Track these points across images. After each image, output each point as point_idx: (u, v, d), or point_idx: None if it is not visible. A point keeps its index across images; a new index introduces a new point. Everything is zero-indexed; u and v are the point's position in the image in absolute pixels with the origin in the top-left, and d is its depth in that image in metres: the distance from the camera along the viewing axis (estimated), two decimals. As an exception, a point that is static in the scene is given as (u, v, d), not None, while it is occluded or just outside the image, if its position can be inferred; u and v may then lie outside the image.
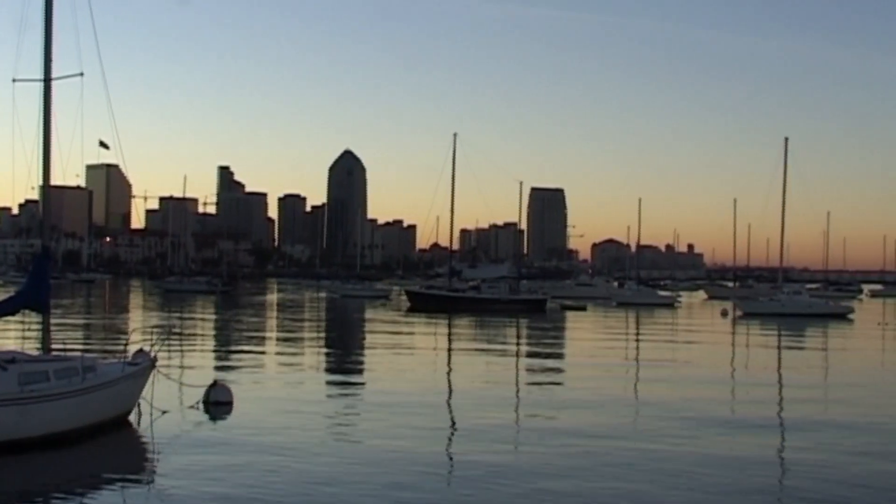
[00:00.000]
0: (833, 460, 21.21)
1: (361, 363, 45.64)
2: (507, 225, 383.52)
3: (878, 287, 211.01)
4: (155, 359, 26.66)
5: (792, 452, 22.83)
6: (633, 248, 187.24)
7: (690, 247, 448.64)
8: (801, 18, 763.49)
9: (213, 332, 64.17)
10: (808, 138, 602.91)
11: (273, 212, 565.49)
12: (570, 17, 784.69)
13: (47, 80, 25.55)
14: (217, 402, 27.55)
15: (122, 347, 27.76)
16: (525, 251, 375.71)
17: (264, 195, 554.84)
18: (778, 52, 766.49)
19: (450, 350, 53.80)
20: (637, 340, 62.25)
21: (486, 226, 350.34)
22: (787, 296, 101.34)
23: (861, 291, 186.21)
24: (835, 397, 33.16)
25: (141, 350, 27.19)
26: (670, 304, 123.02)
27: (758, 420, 27.01)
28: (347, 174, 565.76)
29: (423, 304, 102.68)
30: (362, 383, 36.80)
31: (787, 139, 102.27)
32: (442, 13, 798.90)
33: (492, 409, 28.82)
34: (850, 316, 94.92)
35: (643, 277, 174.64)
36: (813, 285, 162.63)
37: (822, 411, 28.20)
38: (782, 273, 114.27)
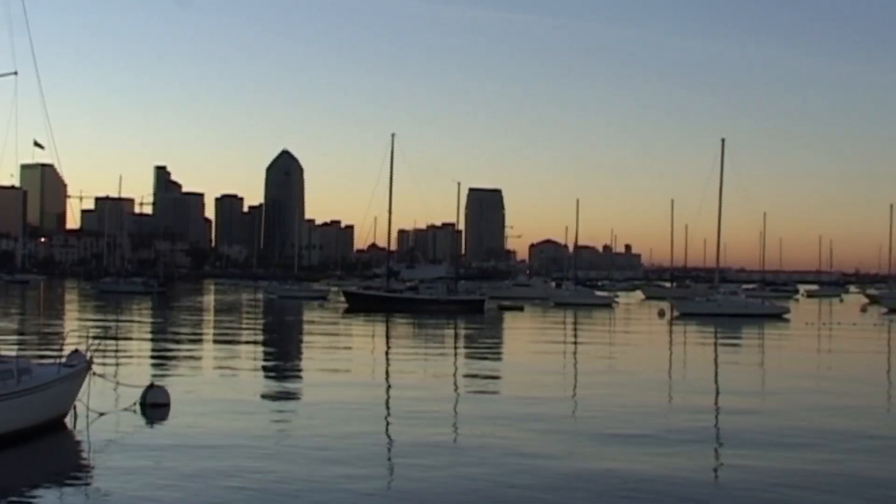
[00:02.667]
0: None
1: (298, 364, 45.57)
2: (444, 225, 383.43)
3: (814, 287, 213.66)
4: (91, 360, 26.40)
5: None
6: (571, 249, 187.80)
7: (628, 247, 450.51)
8: (737, 20, 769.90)
9: (149, 334, 63.68)
10: (744, 139, 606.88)
11: (210, 212, 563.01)
12: (508, 18, 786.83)
13: (-20, 79, 25.24)
14: (154, 404, 27.35)
15: (57, 349, 27.47)
16: (463, 252, 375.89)
17: (201, 195, 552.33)
18: (715, 53, 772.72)
19: (387, 352, 53.78)
20: (574, 343, 62.48)
21: (423, 226, 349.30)
22: (724, 296, 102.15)
23: (797, 292, 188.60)
24: (769, 426, 30.70)
25: (76, 351, 26.91)
26: (608, 305, 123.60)
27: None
28: (285, 174, 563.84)
29: (360, 305, 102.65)
30: (298, 384, 36.75)
31: (723, 140, 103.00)
32: (380, 13, 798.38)
33: (426, 421, 28.69)
34: (786, 316, 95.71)
35: (581, 278, 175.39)
36: (749, 286, 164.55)
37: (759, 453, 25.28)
38: (719, 273, 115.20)
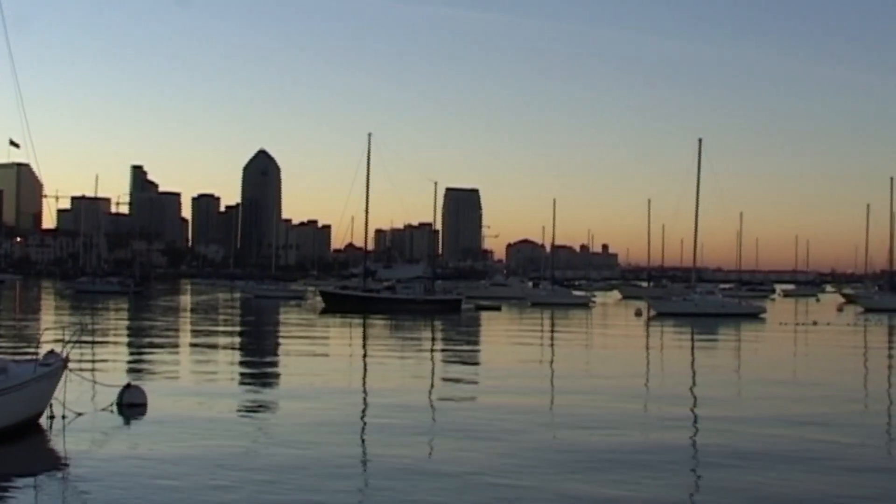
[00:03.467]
0: None
1: (274, 365, 45.44)
2: (421, 225, 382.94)
3: (791, 287, 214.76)
4: (67, 359, 26.29)
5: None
6: (548, 249, 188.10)
7: (605, 247, 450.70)
8: (715, 21, 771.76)
9: (126, 334, 63.54)
10: (721, 140, 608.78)
11: (187, 212, 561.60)
12: (485, 17, 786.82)
13: (-45, 78, 25.14)
14: (131, 404, 27.27)
15: (33, 348, 27.34)
16: (440, 251, 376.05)
17: (178, 195, 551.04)
18: (692, 53, 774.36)
19: (364, 356, 53.73)
20: (551, 345, 62.41)
21: (400, 226, 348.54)
22: (700, 296, 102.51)
23: (773, 291, 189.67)
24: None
25: (52, 351, 26.77)
26: (585, 305, 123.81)
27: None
28: (262, 174, 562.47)
29: (337, 305, 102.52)
30: (275, 384, 36.77)
31: (700, 140, 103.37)
32: (356, 13, 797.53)
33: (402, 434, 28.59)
34: (762, 316, 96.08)
35: (558, 277, 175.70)
36: (726, 285, 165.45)
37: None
38: (696, 273, 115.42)
